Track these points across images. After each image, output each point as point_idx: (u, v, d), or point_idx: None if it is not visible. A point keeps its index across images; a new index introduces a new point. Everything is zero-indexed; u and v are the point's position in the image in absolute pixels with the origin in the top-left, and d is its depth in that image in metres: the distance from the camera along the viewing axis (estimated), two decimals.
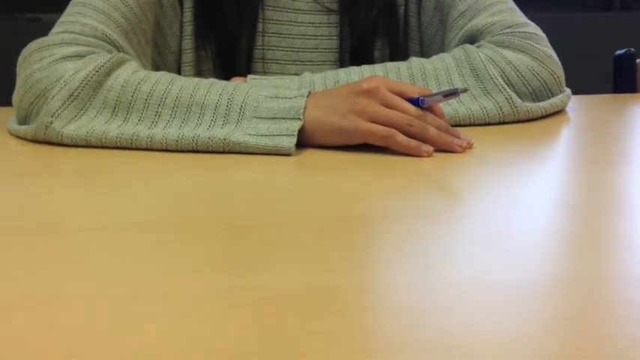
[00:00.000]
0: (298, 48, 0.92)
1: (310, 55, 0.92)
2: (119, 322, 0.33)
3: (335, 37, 0.93)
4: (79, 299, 0.36)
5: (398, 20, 0.96)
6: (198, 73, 0.91)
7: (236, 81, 0.76)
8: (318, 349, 0.30)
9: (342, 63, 0.93)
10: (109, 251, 0.43)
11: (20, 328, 0.33)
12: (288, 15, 0.91)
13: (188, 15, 0.89)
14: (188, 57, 0.90)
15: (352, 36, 0.93)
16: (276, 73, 0.91)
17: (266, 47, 0.91)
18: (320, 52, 0.92)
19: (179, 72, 0.90)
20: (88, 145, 0.69)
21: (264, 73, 0.91)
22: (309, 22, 0.92)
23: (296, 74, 0.84)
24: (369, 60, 0.94)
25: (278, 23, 0.91)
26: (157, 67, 0.88)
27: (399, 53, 0.96)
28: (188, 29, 0.89)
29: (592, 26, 2.03)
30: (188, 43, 0.89)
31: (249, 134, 0.67)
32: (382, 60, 0.95)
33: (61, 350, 0.30)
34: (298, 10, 0.92)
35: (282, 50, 0.91)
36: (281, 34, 0.91)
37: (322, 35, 0.92)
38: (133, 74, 0.72)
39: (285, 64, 0.92)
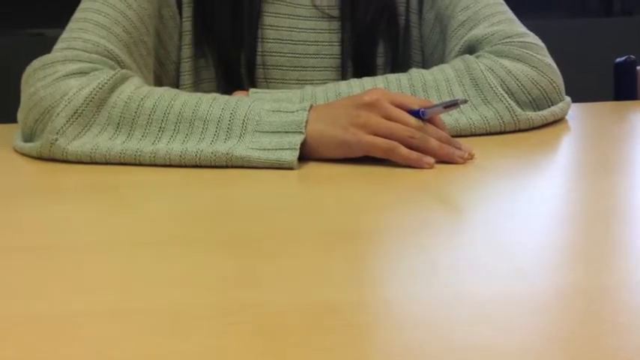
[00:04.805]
0: (299, 54, 0.92)
1: (312, 60, 0.93)
2: (122, 338, 0.33)
3: (336, 44, 0.93)
4: (83, 316, 0.36)
5: (398, 28, 0.96)
6: (198, 81, 0.92)
7: (238, 95, 0.76)
8: None
9: (343, 69, 0.94)
10: (111, 268, 0.43)
11: (27, 346, 0.33)
12: (288, 21, 0.92)
13: (187, 24, 0.90)
14: (186, 66, 0.90)
15: (353, 42, 0.93)
16: (277, 79, 0.92)
17: (267, 53, 0.91)
18: (322, 57, 0.93)
19: (178, 81, 0.90)
20: (93, 162, 0.69)
21: (266, 79, 0.91)
22: (310, 29, 0.92)
23: (298, 80, 0.84)
24: (371, 66, 0.94)
25: (278, 29, 0.91)
26: (158, 78, 0.89)
27: (399, 61, 0.96)
28: (187, 38, 0.90)
29: (592, 32, 2.03)
30: (187, 52, 0.90)
31: (252, 148, 0.67)
32: (384, 66, 0.96)
33: None
34: (299, 16, 0.92)
35: (283, 56, 0.92)
36: (282, 40, 0.91)
37: (323, 41, 0.93)
38: (136, 90, 0.72)
39: (287, 70, 0.92)
